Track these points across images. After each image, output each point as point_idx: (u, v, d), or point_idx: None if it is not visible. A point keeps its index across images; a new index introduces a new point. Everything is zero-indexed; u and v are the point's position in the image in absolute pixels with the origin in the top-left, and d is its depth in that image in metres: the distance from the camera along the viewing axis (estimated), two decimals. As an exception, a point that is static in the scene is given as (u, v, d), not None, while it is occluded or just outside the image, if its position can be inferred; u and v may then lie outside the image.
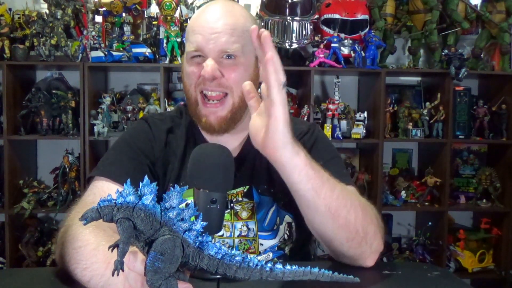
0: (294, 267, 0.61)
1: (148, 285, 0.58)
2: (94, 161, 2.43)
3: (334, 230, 0.92)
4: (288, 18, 2.44)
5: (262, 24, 2.47)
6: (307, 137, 1.18)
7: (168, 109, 2.44)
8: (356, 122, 2.61)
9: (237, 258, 0.61)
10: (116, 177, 1.05)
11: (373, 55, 2.58)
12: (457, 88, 2.75)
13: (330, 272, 0.62)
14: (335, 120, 2.57)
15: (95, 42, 2.42)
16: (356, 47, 2.58)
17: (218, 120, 1.11)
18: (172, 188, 0.61)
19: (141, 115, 2.48)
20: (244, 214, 1.15)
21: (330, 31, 2.58)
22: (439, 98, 2.67)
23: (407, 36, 2.80)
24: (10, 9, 2.55)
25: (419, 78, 2.93)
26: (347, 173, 1.24)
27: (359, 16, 2.58)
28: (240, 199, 1.15)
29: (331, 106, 2.58)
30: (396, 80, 2.94)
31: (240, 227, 1.15)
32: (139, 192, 0.59)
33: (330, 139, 2.44)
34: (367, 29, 2.62)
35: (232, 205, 1.14)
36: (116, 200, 0.58)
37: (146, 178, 0.61)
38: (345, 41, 2.59)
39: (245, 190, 1.15)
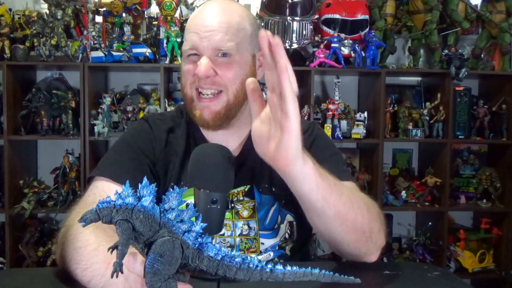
0: (294, 268, 0.61)
1: (147, 286, 0.58)
2: (94, 161, 2.43)
3: (342, 233, 0.93)
4: (288, 18, 2.44)
5: (262, 24, 2.47)
6: (307, 135, 1.18)
7: (168, 109, 2.44)
8: (356, 122, 2.60)
9: (237, 260, 0.61)
10: (116, 177, 1.05)
11: (373, 55, 2.58)
12: (457, 88, 2.75)
13: (331, 273, 0.62)
14: (335, 120, 2.57)
15: (95, 42, 2.42)
16: (356, 47, 2.58)
17: (212, 115, 1.11)
18: (171, 189, 0.61)
19: (141, 115, 2.48)
20: (245, 213, 1.15)
21: (330, 31, 2.58)
22: (439, 98, 2.67)
23: (407, 36, 2.80)
24: (10, 9, 2.54)
25: (419, 78, 2.93)
26: (347, 169, 1.24)
27: (359, 16, 2.58)
28: (241, 198, 1.15)
29: (331, 106, 2.57)
30: (396, 80, 2.94)
31: (241, 226, 1.15)
32: (138, 194, 0.59)
33: (331, 139, 2.44)
34: (367, 29, 2.62)
35: (233, 204, 1.14)
36: (115, 201, 0.58)
37: (145, 180, 0.61)
38: (345, 41, 2.58)
39: (246, 189, 1.16)
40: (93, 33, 2.42)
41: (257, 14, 2.57)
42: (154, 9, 2.62)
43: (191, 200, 1.04)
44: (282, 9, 2.46)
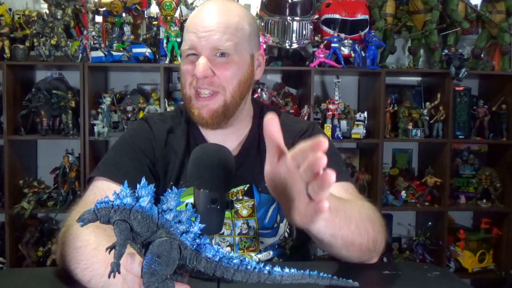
0: (292, 270, 0.61)
1: (145, 287, 0.58)
2: (94, 161, 2.43)
3: (348, 254, 0.94)
4: (288, 18, 2.44)
5: (262, 24, 2.47)
6: (307, 135, 1.18)
7: (168, 109, 2.43)
8: (356, 122, 2.60)
9: (234, 261, 0.60)
10: (116, 177, 1.06)
11: (373, 55, 2.58)
12: (457, 88, 2.75)
13: (329, 276, 0.62)
14: (335, 120, 2.57)
15: (95, 42, 2.42)
16: (356, 47, 2.57)
17: (210, 113, 1.11)
18: (169, 190, 0.61)
19: (141, 115, 2.48)
20: (245, 212, 1.16)
21: (330, 31, 2.57)
22: (439, 98, 2.67)
23: (407, 36, 2.80)
24: (10, 9, 2.55)
25: (419, 78, 2.93)
26: (346, 170, 1.24)
27: (359, 16, 2.58)
28: (241, 197, 1.16)
29: (331, 106, 2.57)
30: (396, 80, 2.94)
31: (240, 225, 1.15)
32: (136, 194, 0.59)
33: (330, 139, 2.44)
34: (367, 29, 2.61)
35: (232, 204, 1.15)
36: (113, 202, 0.58)
37: (143, 180, 0.61)
38: (345, 41, 2.58)
39: (245, 188, 1.16)
40: (93, 33, 2.42)
41: (257, 14, 2.56)
42: (154, 9, 2.62)
43: (190, 200, 1.04)
44: (282, 9, 2.46)
